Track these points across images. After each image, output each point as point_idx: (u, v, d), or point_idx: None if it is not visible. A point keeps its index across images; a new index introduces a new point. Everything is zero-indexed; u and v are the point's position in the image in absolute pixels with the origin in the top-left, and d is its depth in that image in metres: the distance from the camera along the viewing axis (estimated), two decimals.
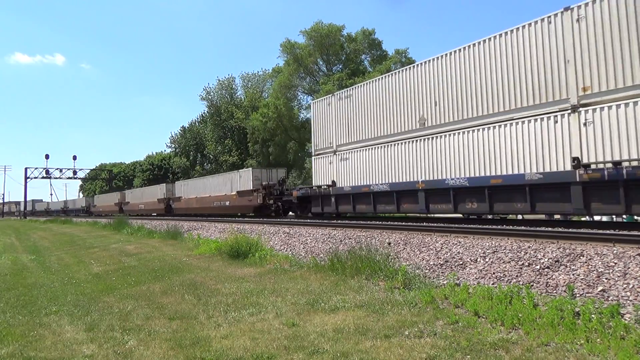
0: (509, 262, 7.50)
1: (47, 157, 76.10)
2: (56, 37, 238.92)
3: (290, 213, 23.95)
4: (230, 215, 28.36)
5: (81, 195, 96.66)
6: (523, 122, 11.50)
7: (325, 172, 18.68)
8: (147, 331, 5.88)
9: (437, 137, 13.87)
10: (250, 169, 27.05)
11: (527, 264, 7.24)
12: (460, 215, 16.49)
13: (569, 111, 10.56)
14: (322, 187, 18.51)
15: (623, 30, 9.60)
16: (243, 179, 26.70)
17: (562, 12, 10.71)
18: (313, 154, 19.57)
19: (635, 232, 8.63)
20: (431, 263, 8.56)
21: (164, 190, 40.10)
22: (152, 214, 42.27)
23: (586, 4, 10.23)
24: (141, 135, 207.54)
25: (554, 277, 6.64)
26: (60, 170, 74.40)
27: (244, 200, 26.10)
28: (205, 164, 58.32)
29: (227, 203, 28.31)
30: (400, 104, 15.29)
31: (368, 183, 16.36)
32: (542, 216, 14.76)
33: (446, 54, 13.72)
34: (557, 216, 14.34)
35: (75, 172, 75.42)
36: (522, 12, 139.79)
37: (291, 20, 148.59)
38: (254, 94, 49.65)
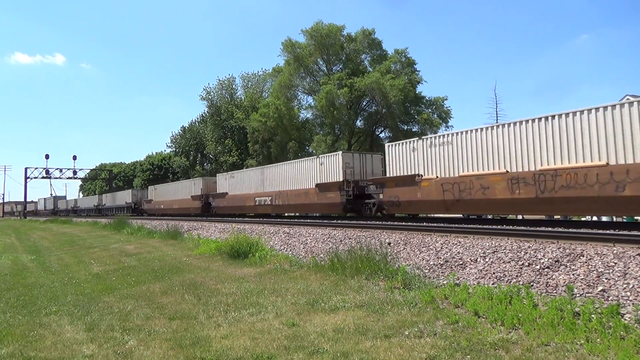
0: (509, 262, 7.50)
1: (47, 157, 75.98)
2: (56, 37, 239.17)
3: None
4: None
5: (81, 195, 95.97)
6: None
7: None
8: (147, 331, 5.87)
9: None
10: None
11: (527, 264, 7.24)
12: (460, 215, 16.47)
13: None
14: None
15: None
16: None
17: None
18: None
19: (635, 232, 8.64)
20: (431, 263, 8.56)
21: (340, 162, 18.31)
22: (297, 214, 20.62)
23: None
24: (141, 135, 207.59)
25: (554, 277, 6.64)
26: (60, 170, 74.40)
27: None
28: (205, 164, 58.29)
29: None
30: None
31: None
32: (542, 216, 14.76)
33: None
34: (556, 216, 14.30)
35: (75, 172, 75.41)
36: (522, 12, 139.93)
37: (291, 20, 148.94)
38: (254, 94, 49.62)
